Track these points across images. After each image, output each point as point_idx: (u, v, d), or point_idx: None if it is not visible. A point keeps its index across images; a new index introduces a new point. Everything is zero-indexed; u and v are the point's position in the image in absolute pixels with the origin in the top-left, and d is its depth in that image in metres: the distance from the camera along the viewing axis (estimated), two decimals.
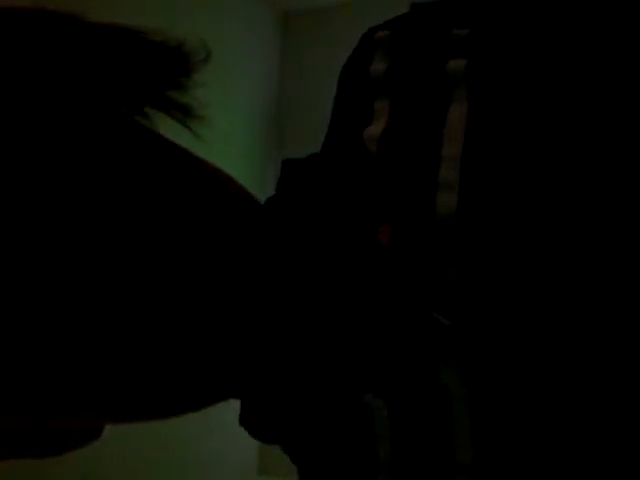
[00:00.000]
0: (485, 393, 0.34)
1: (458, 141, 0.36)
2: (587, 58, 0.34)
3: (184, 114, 0.39)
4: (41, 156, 0.30)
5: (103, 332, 0.31)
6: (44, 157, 0.30)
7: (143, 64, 0.36)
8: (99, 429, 0.37)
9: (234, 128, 2.63)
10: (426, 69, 0.39)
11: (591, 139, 0.33)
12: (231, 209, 0.36)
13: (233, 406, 0.41)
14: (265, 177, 2.72)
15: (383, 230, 0.37)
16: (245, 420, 0.39)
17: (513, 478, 0.33)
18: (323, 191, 0.39)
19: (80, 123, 0.32)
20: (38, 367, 0.30)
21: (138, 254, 0.31)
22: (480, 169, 0.35)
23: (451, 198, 0.36)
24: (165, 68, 0.37)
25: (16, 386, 0.30)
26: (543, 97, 0.34)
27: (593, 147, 0.33)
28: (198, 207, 0.34)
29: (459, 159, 0.36)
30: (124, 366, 0.31)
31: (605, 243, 0.32)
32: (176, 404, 0.35)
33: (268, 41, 2.88)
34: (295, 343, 0.36)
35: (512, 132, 0.35)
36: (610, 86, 0.33)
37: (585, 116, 0.33)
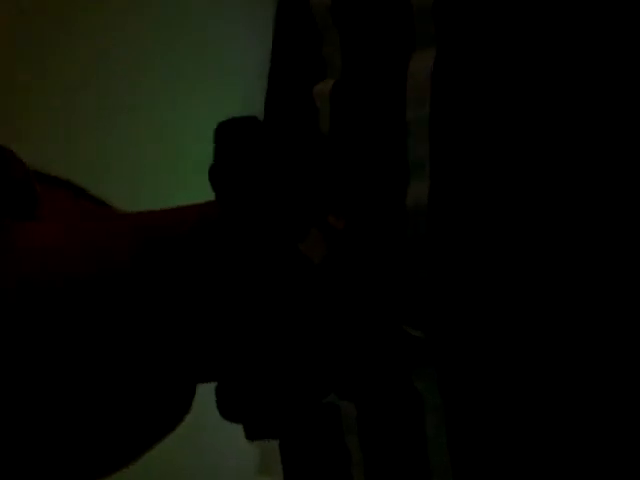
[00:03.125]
0: (462, 402, 0.33)
1: (425, 100, 0.30)
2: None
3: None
4: None
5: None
6: None
7: None
8: None
9: None
10: (383, 4, 0.32)
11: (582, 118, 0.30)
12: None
13: None
14: None
15: (334, 220, 0.34)
16: (220, 403, 0.38)
17: None
18: (261, 177, 0.35)
19: None
20: None
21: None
22: (454, 139, 0.30)
23: (422, 184, 0.32)
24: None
25: None
26: (529, 47, 0.30)
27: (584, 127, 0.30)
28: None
29: (427, 126, 0.31)
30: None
31: (594, 243, 0.30)
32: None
33: (268, 41, 2.87)
34: (255, 348, 0.36)
35: (491, 88, 0.30)
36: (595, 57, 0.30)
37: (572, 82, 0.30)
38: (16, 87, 1.75)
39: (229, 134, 0.36)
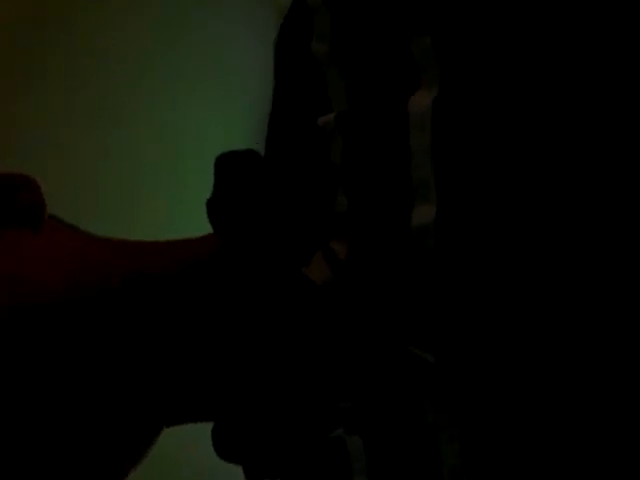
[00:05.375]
0: (478, 434, 0.32)
1: (427, 128, 0.31)
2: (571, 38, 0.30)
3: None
4: None
5: None
6: None
7: None
8: None
9: (233, 127, 2.62)
10: (383, 45, 0.33)
11: (581, 130, 0.30)
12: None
13: None
14: None
15: (336, 247, 0.33)
16: (216, 443, 0.37)
17: None
18: (261, 204, 0.35)
19: None
20: None
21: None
22: (458, 159, 0.30)
23: (427, 205, 0.31)
24: None
25: None
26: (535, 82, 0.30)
27: (584, 139, 0.30)
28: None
29: (430, 151, 0.31)
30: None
31: (607, 264, 0.30)
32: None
33: (268, 41, 2.87)
34: (259, 376, 0.35)
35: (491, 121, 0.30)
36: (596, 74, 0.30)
37: (573, 103, 0.30)
38: (16, 87, 1.74)
39: (229, 167, 0.36)
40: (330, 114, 0.36)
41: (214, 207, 0.36)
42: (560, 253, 0.30)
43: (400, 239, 0.32)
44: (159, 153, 2.24)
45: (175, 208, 1.97)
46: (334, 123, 0.35)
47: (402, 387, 0.33)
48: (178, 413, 0.36)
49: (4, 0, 1.76)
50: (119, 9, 2.02)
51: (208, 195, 0.38)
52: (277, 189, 0.36)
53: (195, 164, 1.33)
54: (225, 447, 0.37)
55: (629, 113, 0.29)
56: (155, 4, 2.21)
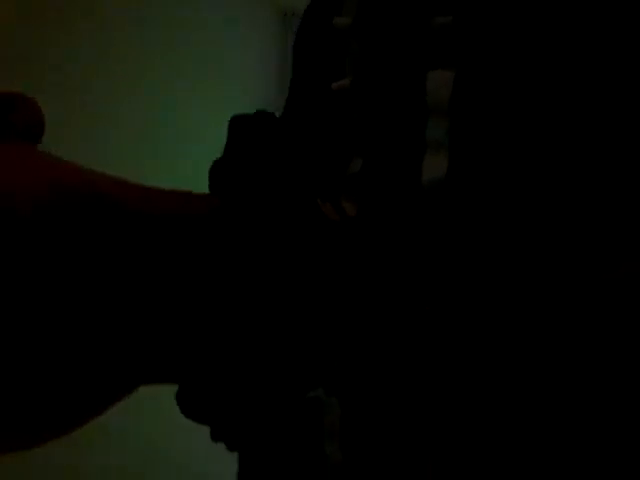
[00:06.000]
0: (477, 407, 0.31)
1: (444, 100, 0.31)
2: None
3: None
4: None
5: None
6: None
7: None
8: None
9: None
10: (405, 24, 0.34)
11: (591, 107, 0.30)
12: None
13: None
14: None
15: (347, 206, 0.33)
16: (181, 398, 0.35)
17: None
18: (273, 156, 0.35)
19: None
20: None
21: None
22: (473, 125, 0.31)
23: (439, 158, 0.32)
24: None
25: None
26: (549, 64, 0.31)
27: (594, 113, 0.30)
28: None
29: (446, 111, 0.31)
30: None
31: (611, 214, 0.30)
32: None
33: (268, 41, 2.87)
34: (243, 326, 0.33)
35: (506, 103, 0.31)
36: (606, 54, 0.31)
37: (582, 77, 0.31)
38: (16, 87, 1.74)
39: (241, 126, 0.36)
40: (345, 79, 0.36)
41: (219, 167, 0.35)
42: (571, 210, 0.31)
43: (410, 193, 0.32)
44: (159, 153, 2.24)
45: None
46: (349, 86, 0.35)
47: (399, 347, 0.32)
48: (160, 364, 0.33)
49: (4, 0, 1.76)
50: (119, 9, 2.02)
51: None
52: (288, 149, 0.35)
53: (195, 164, 1.33)
54: (192, 403, 0.34)
55: None
56: (155, 4, 2.21)
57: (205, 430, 0.36)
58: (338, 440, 0.33)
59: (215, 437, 0.35)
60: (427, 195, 0.31)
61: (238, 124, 0.36)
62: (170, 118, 2.21)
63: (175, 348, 0.33)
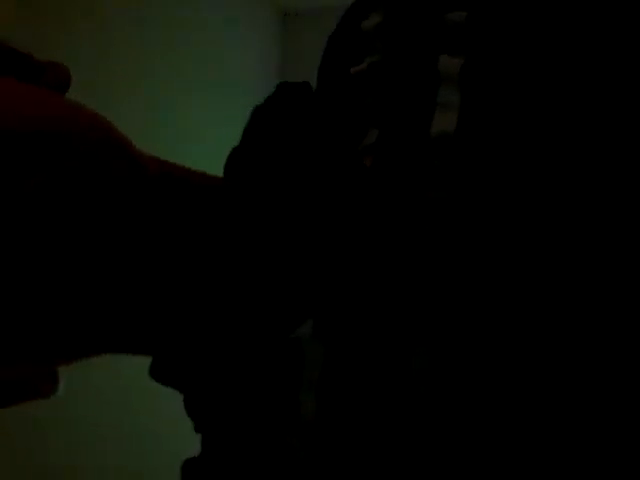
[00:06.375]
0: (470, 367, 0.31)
1: (454, 77, 0.34)
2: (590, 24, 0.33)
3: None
4: None
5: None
6: None
7: None
8: (53, 376, 0.32)
9: (234, 128, 2.63)
10: (422, 23, 0.37)
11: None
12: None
13: None
14: None
15: (367, 159, 0.35)
16: (155, 366, 0.34)
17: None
18: (309, 113, 0.37)
19: None
20: None
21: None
22: (483, 91, 0.33)
23: (449, 117, 0.34)
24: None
25: None
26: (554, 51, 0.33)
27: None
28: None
29: (457, 80, 0.34)
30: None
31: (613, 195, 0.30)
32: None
33: (268, 41, 2.87)
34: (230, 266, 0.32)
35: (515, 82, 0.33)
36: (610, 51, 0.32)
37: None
38: None
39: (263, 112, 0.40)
40: (363, 64, 0.39)
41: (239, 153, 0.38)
42: (580, 175, 0.31)
43: (420, 146, 0.34)
44: (159, 153, 2.23)
45: None
46: (367, 68, 0.39)
47: (395, 294, 0.32)
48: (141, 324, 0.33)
49: (4, 0, 1.76)
50: (119, 9, 2.02)
51: None
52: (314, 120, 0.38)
53: (195, 164, 1.33)
54: (164, 364, 0.34)
55: None
56: (155, 4, 2.21)
57: None
58: (315, 390, 0.33)
59: (153, 373, 0.35)
60: (434, 145, 0.33)
61: (282, 90, 0.39)
62: (170, 118, 2.21)
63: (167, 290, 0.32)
